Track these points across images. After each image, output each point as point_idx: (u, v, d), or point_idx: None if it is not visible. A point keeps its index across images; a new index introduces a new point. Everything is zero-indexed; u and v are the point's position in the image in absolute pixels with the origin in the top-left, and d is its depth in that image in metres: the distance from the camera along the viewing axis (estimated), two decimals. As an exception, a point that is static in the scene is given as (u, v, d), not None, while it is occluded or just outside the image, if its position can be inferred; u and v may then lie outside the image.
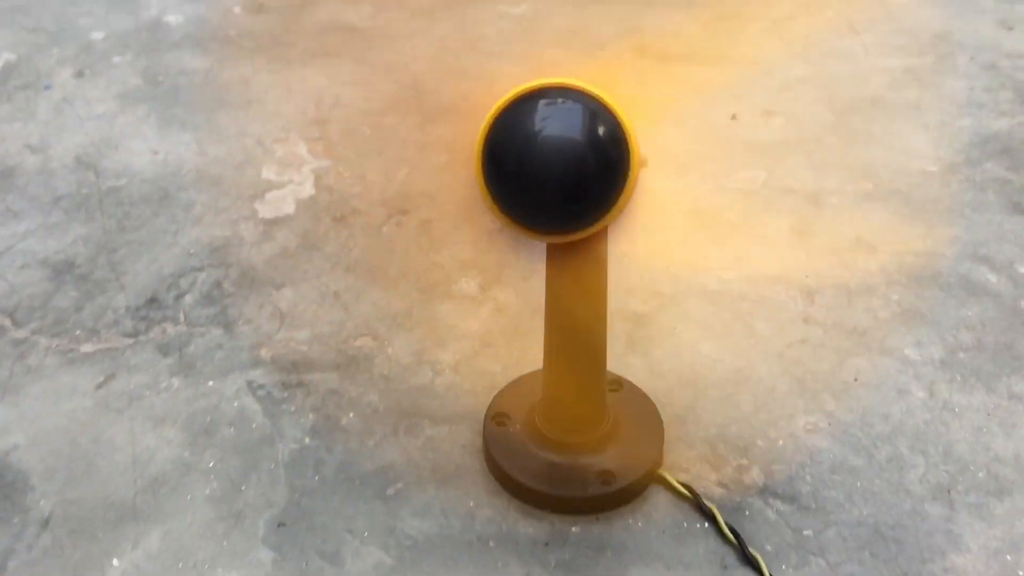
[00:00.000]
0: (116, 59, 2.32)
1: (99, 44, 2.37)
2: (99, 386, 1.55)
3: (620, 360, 1.56)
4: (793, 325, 1.64)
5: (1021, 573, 1.26)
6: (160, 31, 2.43)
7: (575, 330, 1.24)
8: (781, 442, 1.46)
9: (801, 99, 2.17)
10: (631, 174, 0.96)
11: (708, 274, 1.74)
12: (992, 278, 1.72)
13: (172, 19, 2.47)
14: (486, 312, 1.67)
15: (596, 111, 0.90)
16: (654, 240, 1.80)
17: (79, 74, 2.27)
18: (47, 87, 2.23)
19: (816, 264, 1.75)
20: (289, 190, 1.93)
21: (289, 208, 1.88)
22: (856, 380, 1.55)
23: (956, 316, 1.65)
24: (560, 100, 0.90)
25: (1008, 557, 1.28)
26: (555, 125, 0.90)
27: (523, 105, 0.91)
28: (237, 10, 2.50)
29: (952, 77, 2.23)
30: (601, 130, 0.91)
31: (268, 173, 1.97)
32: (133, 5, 2.53)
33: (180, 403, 1.52)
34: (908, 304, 1.68)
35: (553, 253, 1.15)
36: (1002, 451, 1.44)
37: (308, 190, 1.93)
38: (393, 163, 2.00)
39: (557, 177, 0.90)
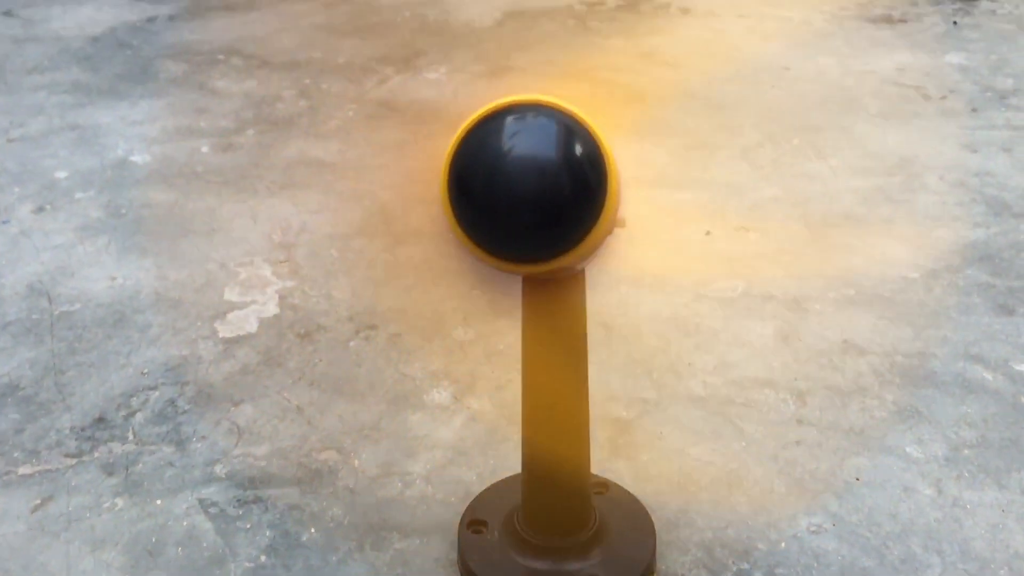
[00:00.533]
0: (79, 195, 2.27)
1: (62, 182, 2.33)
2: (35, 509, 1.41)
3: (605, 466, 1.45)
4: (786, 427, 1.55)
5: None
6: (126, 169, 2.40)
7: (554, 388, 1.14)
8: (784, 544, 1.33)
9: (774, 216, 2.15)
10: (610, 197, 0.90)
11: (693, 379, 1.65)
12: (988, 376, 1.64)
13: (138, 159, 2.45)
14: (460, 421, 1.56)
15: (571, 128, 0.84)
16: (633, 347, 1.72)
17: (39, 209, 2.21)
18: (4, 222, 2.17)
19: (805, 367, 1.67)
20: (252, 310, 1.84)
21: (251, 327, 1.80)
22: (858, 479, 1.44)
23: (956, 413, 1.56)
24: (532, 116, 0.84)
25: (1047, 656, 1.14)
26: (527, 143, 0.83)
27: (492, 123, 0.85)
28: (205, 149, 2.49)
29: (923, 194, 2.23)
30: (577, 148, 0.85)
31: (230, 295, 1.89)
32: (99, 147, 2.51)
33: (123, 524, 1.38)
34: (904, 403, 1.59)
35: (529, 296, 1.07)
36: (1023, 548, 1.32)
37: (272, 309, 1.85)
38: (361, 282, 1.93)
39: (530, 198, 0.83)
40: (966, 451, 1.49)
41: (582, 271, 1.08)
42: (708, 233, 2.08)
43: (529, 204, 0.83)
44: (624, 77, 2.93)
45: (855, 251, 2.01)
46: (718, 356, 1.70)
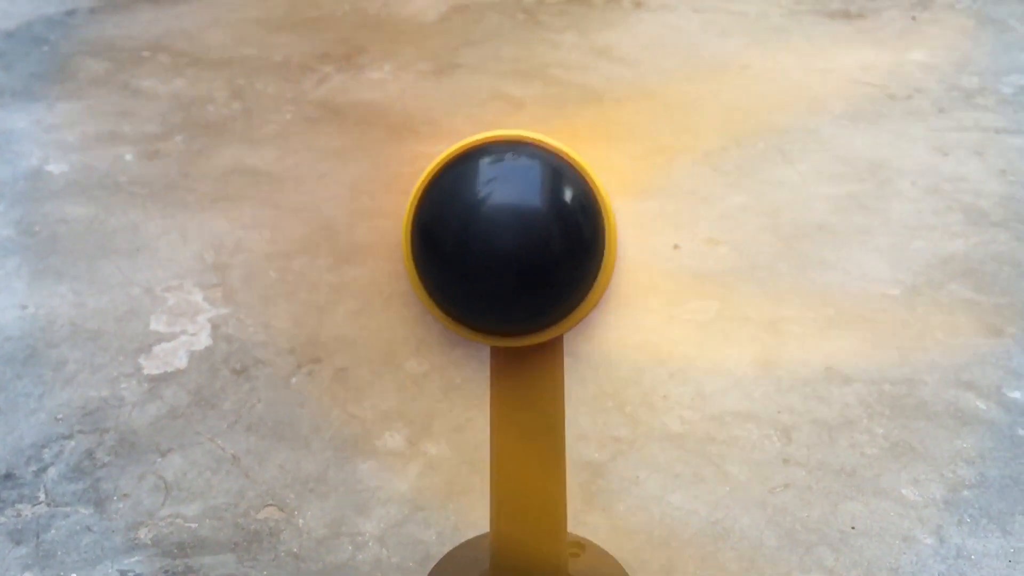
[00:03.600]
0: (-13, 210, 2.07)
1: (-31, 195, 2.12)
2: (-71, 587, 1.23)
3: (578, 518, 1.31)
4: (772, 468, 1.42)
5: None
6: (40, 180, 2.20)
7: (527, 460, 0.99)
8: (779, 609, 1.21)
9: (744, 227, 2.03)
10: (607, 256, 0.76)
11: (669, 414, 1.52)
12: (981, 405, 1.54)
13: (54, 168, 2.24)
14: (415, 470, 1.41)
15: (560, 171, 0.69)
16: (602, 378, 1.58)
17: (-58, 227, 2.01)
18: (-97, 242, 1.96)
19: (788, 398, 1.55)
20: (181, 342, 1.67)
21: (180, 362, 1.62)
22: (854, 528, 1.32)
23: (951, 448, 1.46)
24: (512, 156, 0.69)
25: None
26: (507, 189, 0.68)
27: (464, 165, 0.69)
28: (129, 157, 2.29)
29: (897, 201, 2.12)
30: (568, 195, 0.70)
31: (157, 324, 1.71)
32: (11, 155, 2.30)
33: (33, 603, 1.21)
34: (896, 438, 1.48)
35: (500, 363, 0.92)
36: (1036, 604, 1.22)
37: (204, 341, 1.67)
38: (303, 308, 1.76)
39: (511, 260, 0.68)
40: (965, 492, 1.38)
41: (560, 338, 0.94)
42: (676, 247, 1.95)
43: (509, 267, 0.68)
44: (578, 76, 2.78)
45: (831, 265, 1.89)
46: (694, 387, 1.58)
